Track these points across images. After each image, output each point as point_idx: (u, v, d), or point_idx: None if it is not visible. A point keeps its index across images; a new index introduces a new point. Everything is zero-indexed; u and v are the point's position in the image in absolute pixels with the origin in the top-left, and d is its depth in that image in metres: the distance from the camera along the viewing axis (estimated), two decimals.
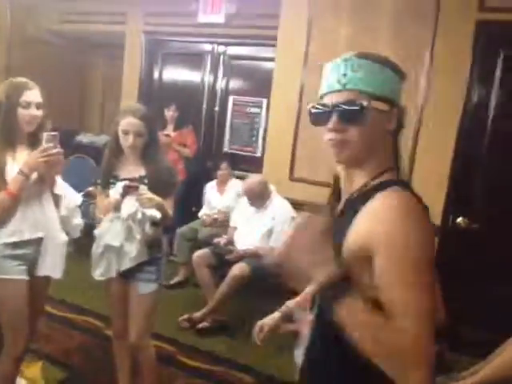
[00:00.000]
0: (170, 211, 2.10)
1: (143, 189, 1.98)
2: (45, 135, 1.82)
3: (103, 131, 5.98)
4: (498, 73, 3.01)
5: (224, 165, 4.13)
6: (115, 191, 2.01)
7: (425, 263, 0.90)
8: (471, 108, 3.08)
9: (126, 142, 2.03)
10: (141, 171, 2.08)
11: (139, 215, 1.98)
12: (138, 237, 2.00)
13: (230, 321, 3.28)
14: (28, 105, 1.84)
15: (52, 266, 1.92)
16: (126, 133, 2.02)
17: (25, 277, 1.88)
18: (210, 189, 4.23)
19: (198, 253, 3.41)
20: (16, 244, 1.85)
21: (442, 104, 3.15)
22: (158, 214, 2.00)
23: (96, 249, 2.07)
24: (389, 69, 0.99)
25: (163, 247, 2.25)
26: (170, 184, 2.13)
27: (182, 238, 4.02)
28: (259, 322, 1.80)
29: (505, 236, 3.01)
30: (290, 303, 1.94)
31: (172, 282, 3.91)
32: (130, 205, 1.98)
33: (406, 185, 0.99)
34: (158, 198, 1.99)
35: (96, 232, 2.08)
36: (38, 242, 1.90)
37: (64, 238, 1.97)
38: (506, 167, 3.04)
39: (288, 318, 2.09)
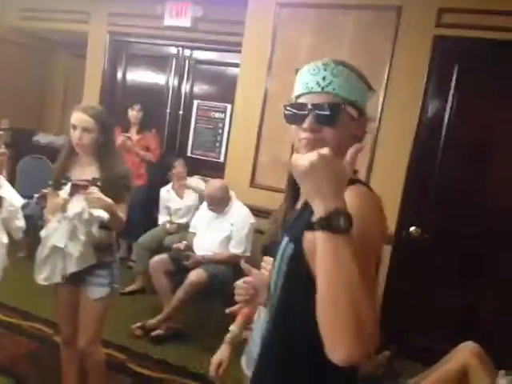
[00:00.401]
0: (123, 215, 2.04)
1: (92, 188, 1.92)
2: None
3: (63, 132, 5.84)
4: (452, 85, 3.11)
5: (179, 161, 4.08)
6: (65, 191, 1.95)
7: (374, 246, 0.92)
8: (426, 120, 3.17)
9: (74, 137, 1.99)
10: (94, 173, 2.02)
11: (86, 215, 1.92)
12: (83, 238, 1.94)
13: (185, 328, 3.24)
14: None
15: None
16: (73, 127, 1.99)
17: None
18: (167, 193, 4.14)
19: (155, 258, 3.36)
20: None
21: (399, 116, 3.23)
22: (105, 215, 1.93)
23: (41, 251, 1.99)
24: (362, 80, 1.05)
25: (115, 251, 2.19)
26: (124, 187, 2.06)
27: (141, 247, 3.91)
28: (215, 360, 1.80)
29: (453, 246, 3.11)
30: (232, 327, 1.97)
31: (127, 290, 3.81)
32: (77, 204, 1.92)
33: (366, 184, 1.03)
34: (107, 199, 1.92)
35: (42, 233, 2.00)
36: None
37: (4, 239, 1.90)
38: (457, 179, 3.15)
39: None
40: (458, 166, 3.14)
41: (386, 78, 3.26)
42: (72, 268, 1.97)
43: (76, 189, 1.92)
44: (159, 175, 4.60)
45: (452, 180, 3.14)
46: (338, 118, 0.99)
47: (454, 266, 3.14)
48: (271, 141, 3.79)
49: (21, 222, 2.01)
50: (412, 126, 3.19)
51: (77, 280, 2.04)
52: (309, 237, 0.95)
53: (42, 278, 2.00)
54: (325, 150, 0.82)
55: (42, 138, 5.46)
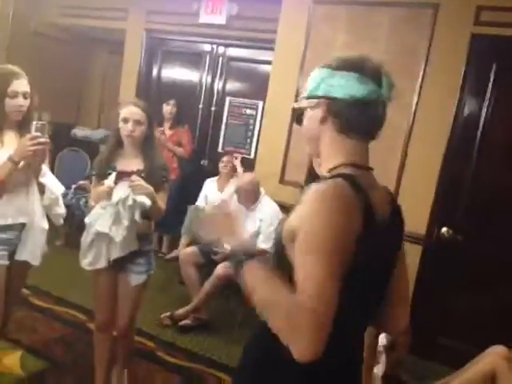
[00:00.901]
0: (163, 205, 2.14)
1: (136, 177, 2.01)
2: (34, 124, 1.85)
3: (100, 126, 6.02)
4: (490, 85, 3.04)
5: (226, 158, 4.11)
6: (109, 180, 2.03)
7: (326, 244, 0.92)
8: (462, 119, 3.11)
9: (125, 129, 2.07)
10: (139, 165, 2.11)
11: (130, 201, 2.00)
12: (126, 223, 2.00)
13: (212, 320, 3.30)
14: (15, 95, 1.87)
15: (32, 252, 1.95)
16: (125, 121, 2.07)
17: (5, 261, 1.90)
18: (210, 184, 4.17)
19: (185, 250, 3.43)
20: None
21: (434, 114, 3.18)
22: (148, 202, 2.01)
23: (86, 237, 2.07)
24: (327, 68, 1.08)
25: (152, 240, 2.31)
26: (164, 178, 2.16)
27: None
28: None
29: (486, 249, 3.04)
30: None
31: None
32: (121, 191, 2.01)
33: (348, 176, 1.00)
34: (149, 187, 2.02)
35: (87, 219, 2.08)
36: (21, 227, 1.93)
37: (46, 225, 2.00)
38: (492, 181, 3.08)
39: None
40: (493, 168, 3.07)
41: (421, 76, 3.22)
42: (116, 253, 2.04)
43: (121, 176, 2.01)
44: (191, 170, 4.70)
45: (487, 181, 3.07)
46: (300, 119, 1.14)
47: (486, 270, 3.07)
48: (301, 138, 3.79)
49: (61, 209, 2.10)
50: (447, 125, 3.14)
51: (118, 267, 2.14)
52: (285, 227, 1.05)
53: (86, 262, 2.08)
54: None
55: (79, 132, 5.65)
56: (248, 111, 4.62)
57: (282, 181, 3.86)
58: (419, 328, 2.46)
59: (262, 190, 3.44)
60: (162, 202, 2.12)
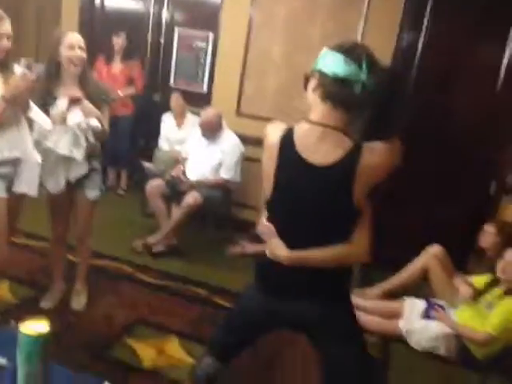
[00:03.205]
0: (107, 126, 2.43)
1: (86, 101, 2.27)
2: (22, 62, 1.91)
3: (38, 61, 5.71)
4: (425, 19, 3.37)
5: (175, 96, 4.19)
6: (60, 105, 2.23)
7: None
8: (401, 52, 3.47)
9: (74, 55, 2.23)
10: (78, 92, 2.30)
11: (84, 124, 2.28)
12: (84, 144, 2.30)
13: (181, 246, 3.57)
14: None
15: (28, 184, 2.08)
16: (72, 47, 2.23)
17: (3, 194, 2.02)
18: (168, 120, 4.28)
19: (151, 183, 3.60)
20: None
21: (376, 45, 3.46)
22: (99, 125, 2.32)
23: (46, 163, 2.25)
24: (330, 49, 1.34)
25: (100, 159, 2.57)
26: (106, 100, 2.43)
27: None
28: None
29: (419, 166, 3.49)
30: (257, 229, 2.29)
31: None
32: (75, 116, 2.26)
33: (290, 127, 1.40)
34: (97, 111, 2.32)
35: (49, 144, 2.25)
36: (15, 161, 2.04)
37: (38, 158, 2.11)
38: (427, 104, 3.48)
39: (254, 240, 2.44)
40: (430, 91, 3.47)
41: (366, 5, 3.47)
42: (75, 173, 2.35)
43: (72, 102, 2.24)
44: (144, 105, 4.71)
45: (425, 104, 3.48)
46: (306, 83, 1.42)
47: (421, 182, 3.54)
48: (256, 70, 3.96)
49: (50, 143, 2.20)
50: (389, 53, 3.46)
51: (75, 184, 2.43)
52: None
53: (51, 187, 2.32)
54: None
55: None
56: (199, 43, 4.61)
57: (238, 113, 4.05)
58: None
59: (223, 122, 3.62)
60: (105, 123, 2.41)
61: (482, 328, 2.50)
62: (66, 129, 2.25)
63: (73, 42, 2.22)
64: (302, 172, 1.36)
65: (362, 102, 1.32)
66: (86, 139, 2.31)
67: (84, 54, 2.27)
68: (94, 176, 2.47)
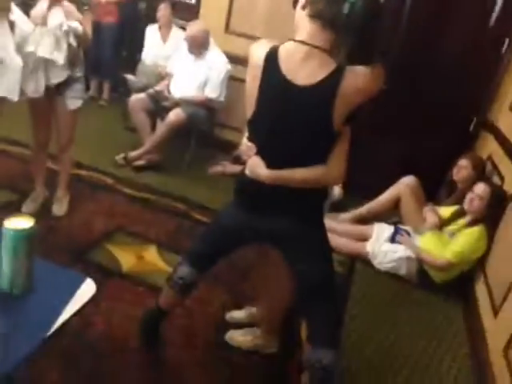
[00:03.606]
0: (89, 31, 2.38)
1: (67, 3, 2.22)
2: None
3: None
4: None
5: (164, 5, 4.00)
6: (40, 5, 2.18)
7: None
8: None
9: None
10: None
11: (65, 26, 2.22)
12: (65, 46, 2.24)
13: (164, 161, 3.60)
14: None
15: (8, 88, 2.04)
16: None
17: None
18: (152, 33, 4.11)
19: (134, 97, 3.54)
20: None
21: None
22: (80, 27, 2.26)
23: (26, 65, 2.18)
24: None
25: (83, 67, 2.52)
26: (86, 6, 2.39)
27: None
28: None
29: (402, 101, 3.51)
30: (239, 149, 2.31)
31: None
32: (56, 17, 2.20)
33: (275, 46, 1.40)
34: (78, 13, 2.26)
35: (29, 48, 2.18)
36: None
37: (20, 62, 2.05)
38: (420, 37, 3.44)
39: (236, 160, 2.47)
40: (420, 26, 3.43)
41: None
42: (56, 78, 2.31)
43: (52, 3, 2.19)
44: (129, 13, 4.50)
45: (414, 39, 3.44)
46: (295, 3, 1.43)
47: (399, 119, 3.58)
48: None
49: (31, 48, 2.13)
50: None
51: (56, 92, 2.40)
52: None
53: (31, 91, 2.27)
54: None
55: None
56: None
57: (227, 30, 3.91)
58: None
59: (211, 39, 3.50)
60: (87, 28, 2.36)
61: (442, 254, 2.67)
62: (46, 31, 2.18)
63: None
64: (285, 91, 1.37)
65: (349, 24, 1.31)
66: (68, 42, 2.25)
67: None
68: (74, 85, 2.44)
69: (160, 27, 4.09)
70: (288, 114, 1.39)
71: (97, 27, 4.23)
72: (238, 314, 2.18)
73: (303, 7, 1.35)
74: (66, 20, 2.21)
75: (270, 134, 1.45)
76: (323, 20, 1.32)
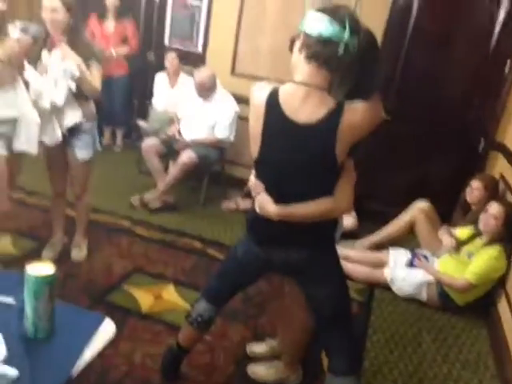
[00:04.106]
0: (96, 82, 2.40)
1: (65, 45, 2.26)
2: (18, 26, 1.96)
3: (32, 21, 5.64)
4: None
5: (171, 55, 4.18)
6: (43, 56, 2.24)
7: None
8: (397, 10, 3.47)
9: (49, 17, 2.23)
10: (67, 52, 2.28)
11: (62, 67, 2.25)
12: (64, 87, 2.26)
13: (177, 202, 3.68)
14: None
15: (28, 142, 2.14)
16: (46, 9, 2.24)
17: (4, 152, 2.09)
18: (161, 80, 4.28)
19: (147, 142, 3.66)
20: None
21: (371, 6, 3.46)
22: (76, 71, 2.26)
23: (43, 119, 2.25)
24: (319, 13, 1.36)
25: (95, 118, 2.58)
26: (97, 59, 2.40)
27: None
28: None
29: (411, 128, 3.56)
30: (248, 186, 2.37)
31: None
32: (55, 60, 2.25)
33: (275, 88, 1.45)
34: (76, 56, 2.26)
35: (43, 104, 2.24)
36: (14, 121, 2.10)
37: (37, 117, 2.16)
38: (420, 68, 3.51)
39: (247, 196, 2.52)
40: (422, 54, 3.49)
41: None
42: (68, 121, 2.35)
43: (52, 43, 2.24)
44: (138, 64, 4.71)
45: (416, 68, 3.52)
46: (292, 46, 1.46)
47: (409, 147, 3.62)
48: (251, 30, 3.95)
49: (47, 103, 2.25)
50: (384, 15, 3.46)
51: (65, 142, 2.47)
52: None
53: (48, 140, 2.34)
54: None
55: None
56: (193, 2, 4.57)
57: (233, 72, 4.07)
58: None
59: (218, 82, 3.64)
60: (94, 80, 2.38)
61: (461, 276, 2.64)
62: (46, 78, 2.25)
63: (46, 5, 2.22)
64: (287, 130, 1.42)
65: (344, 63, 1.37)
66: (66, 83, 2.26)
67: (59, 17, 2.23)
68: (84, 136, 2.49)
69: (168, 74, 4.26)
70: (292, 152, 1.44)
71: (108, 80, 4.44)
72: (258, 348, 2.18)
73: (299, 50, 1.41)
74: (63, 61, 2.24)
75: (275, 172, 1.50)
76: (318, 61, 1.37)
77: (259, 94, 1.46)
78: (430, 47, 3.51)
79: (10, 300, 1.40)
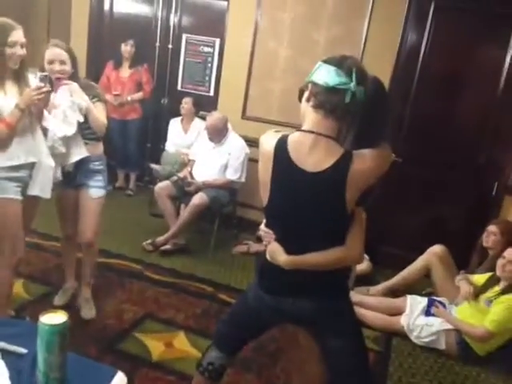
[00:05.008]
0: (102, 118, 2.44)
1: (70, 81, 2.30)
2: (38, 75, 2.03)
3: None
4: (428, 23, 3.47)
5: (187, 99, 4.28)
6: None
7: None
8: (404, 54, 3.57)
9: (54, 69, 2.27)
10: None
11: (69, 102, 2.28)
12: (74, 119, 2.30)
13: (189, 244, 3.67)
14: (14, 44, 2.00)
15: (42, 187, 2.17)
16: (51, 62, 2.28)
17: (19, 197, 2.12)
18: (175, 125, 4.38)
19: (159, 184, 3.70)
20: (13, 167, 2.07)
21: (379, 50, 3.55)
22: (84, 104, 2.30)
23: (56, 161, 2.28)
24: (326, 64, 1.40)
25: (105, 160, 2.63)
26: (99, 98, 2.46)
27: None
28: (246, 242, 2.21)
29: (421, 170, 3.56)
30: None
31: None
32: (62, 97, 2.28)
33: (284, 135, 1.47)
34: (84, 94, 2.32)
35: (60, 149, 2.29)
36: (31, 166, 2.14)
37: (52, 163, 2.20)
38: (428, 110, 3.55)
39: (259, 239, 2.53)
40: (430, 97, 3.53)
41: (369, 10, 3.57)
42: (73, 158, 2.37)
43: (59, 82, 2.26)
44: (152, 109, 4.83)
45: (424, 110, 3.56)
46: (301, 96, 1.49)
47: (421, 189, 3.61)
48: (261, 74, 4.06)
49: (63, 149, 2.30)
50: (391, 58, 3.54)
51: (78, 184, 2.51)
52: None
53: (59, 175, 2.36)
54: None
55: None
56: (205, 49, 4.73)
57: (244, 116, 4.14)
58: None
59: (229, 125, 3.71)
60: (100, 115, 2.42)
61: (481, 324, 2.56)
62: (56, 113, 2.28)
63: (54, 58, 2.27)
64: (296, 178, 1.42)
65: (351, 111, 1.39)
66: (75, 116, 2.30)
67: (67, 68, 2.30)
68: (96, 176, 2.54)
69: (182, 119, 4.36)
70: (301, 201, 1.43)
71: (122, 123, 4.57)
72: None
73: (307, 99, 1.44)
74: (71, 97, 2.28)
75: (285, 220, 1.49)
76: (325, 110, 1.39)
77: (268, 142, 1.47)
78: (439, 89, 3.56)
79: (22, 350, 1.37)
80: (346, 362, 1.53)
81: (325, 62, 1.41)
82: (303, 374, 1.88)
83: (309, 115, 1.44)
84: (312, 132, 1.41)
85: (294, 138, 1.45)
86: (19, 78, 2.10)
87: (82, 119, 2.34)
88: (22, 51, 2.04)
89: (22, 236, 2.18)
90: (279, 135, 1.46)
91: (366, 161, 1.37)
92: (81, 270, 2.78)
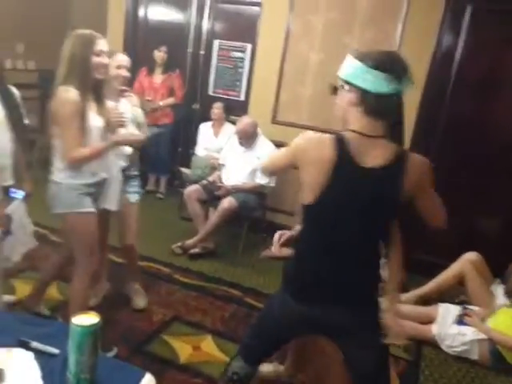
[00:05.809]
0: (145, 129, 2.64)
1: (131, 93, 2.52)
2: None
3: None
4: (465, 24, 3.37)
5: (218, 104, 4.33)
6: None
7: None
8: (439, 56, 3.49)
9: (121, 74, 2.44)
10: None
11: (130, 114, 2.47)
12: (134, 131, 2.48)
13: (217, 248, 3.70)
14: (100, 53, 2.02)
15: (110, 200, 2.28)
16: (119, 67, 2.43)
17: (94, 210, 2.16)
18: (206, 129, 4.43)
19: (189, 188, 3.74)
20: (91, 184, 2.13)
21: (414, 51, 3.47)
22: (142, 118, 2.58)
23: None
24: (360, 62, 1.39)
25: (138, 166, 2.75)
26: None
27: None
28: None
29: (457, 175, 3.46)
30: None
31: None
32: (123, 109, 2.41)
33: (339, 135, 1.44)
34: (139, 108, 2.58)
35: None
36: (104, 181, 2.22)
37: (120, 176, 2.35)
38: (464, 113, 3.45)
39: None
40: (465, 101, 3.43)
41: (404, 13, 3.50)
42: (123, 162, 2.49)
43: (122, 93, 2.46)
44: (183, 114, 4.90)
45: (458, 116, 3.45)
46: (335, 92, 1.49)
47: (456, 195, 3.50)
48: (292, 79, 4.05)
49: (124, 163, 2.52)
50: (426, 62, 3.47)
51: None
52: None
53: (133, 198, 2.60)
54: None
55: None
56: (237, 54, 4.77)
57: (274, 120, 4.15)
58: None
59: (259, 130, 3.72)
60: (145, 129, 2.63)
61: None
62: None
63: (121, 64, 2.44)
64: (353, 175, 1.41)
65: (396, 109, 1.43)
66: (133, 128, 2.49)
67: (127, 73, 2.47)
68: (132, 181, 2.66)
69: (213, 124, 4.40)
70: (354, 195, 1.42)
71: (154, 128, 4.64)
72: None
73: (355, 104, 1.42)
74: (131, 110, 2.48)
75: (332, 217, 1.46)
76: (377, 114, 1.40)
77: (319, 149, 1.42)
78: (475, 93, 3.46)
79: (54, 350, 1.41)
80: (369, 369, 1.51)
81: (371, 66, 1.37)
82: (328, 383, 1.87)
83: (356, 118, 1.43)
84: (368, 136, 1.41)
85: (350, 137, 1.43)
86: (98, 89, 2.08)
87: (137, 132, 2.51)
88: (107, 60, 2.06)
89: (97, 247, 2.21)
90: (328, 136, 1.43)
91: (422, 162, 1.43)
92: (112, 273, 2.85)
